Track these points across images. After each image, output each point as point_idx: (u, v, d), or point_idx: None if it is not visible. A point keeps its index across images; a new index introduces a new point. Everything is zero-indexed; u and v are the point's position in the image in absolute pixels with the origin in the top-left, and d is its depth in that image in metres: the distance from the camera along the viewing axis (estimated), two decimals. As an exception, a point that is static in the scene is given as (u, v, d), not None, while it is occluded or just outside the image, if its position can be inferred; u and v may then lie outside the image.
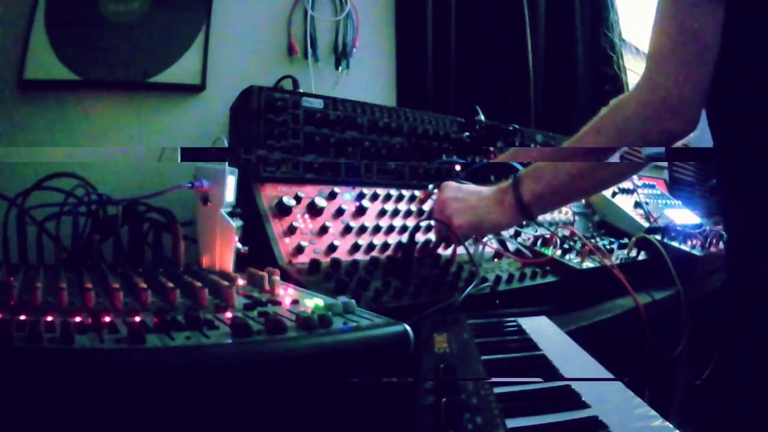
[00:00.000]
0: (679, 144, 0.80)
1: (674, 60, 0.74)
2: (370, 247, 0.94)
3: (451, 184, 1.01)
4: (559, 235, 1.14)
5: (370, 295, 0.77)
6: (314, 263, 0.83)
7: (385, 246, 0.96)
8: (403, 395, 0.46)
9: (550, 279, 1.01)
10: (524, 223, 1.20)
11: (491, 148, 1.30)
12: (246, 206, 0.89)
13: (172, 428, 0.38)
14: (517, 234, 1.17)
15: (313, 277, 0.81)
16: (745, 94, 0.74)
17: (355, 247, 0.92)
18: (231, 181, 0.85)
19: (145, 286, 0.57)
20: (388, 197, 1.08)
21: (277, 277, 0.68)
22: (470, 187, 1.01)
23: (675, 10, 0.74)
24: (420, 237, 1.00)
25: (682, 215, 1.70)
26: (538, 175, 0.91)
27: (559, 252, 1.08)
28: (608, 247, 1.22)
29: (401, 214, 1.05)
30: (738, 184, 0.79)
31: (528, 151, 1.36)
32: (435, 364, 0.49)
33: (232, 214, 0.83)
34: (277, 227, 0.89)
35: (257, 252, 0.85)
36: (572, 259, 1.09)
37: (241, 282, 0.69)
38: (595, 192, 1.43)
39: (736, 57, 0.72)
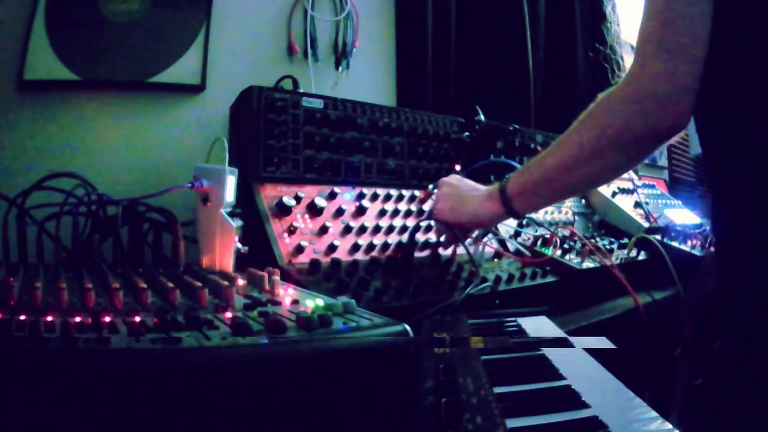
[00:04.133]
0: (674, 141, 0.78)
1: (662, 53, 0.72)
2: (370, 247, 0.94)
3: (454, 176, 1.02)
4: (559, 235, 1.14)
5: (370, 295, 0.77)
6: (314, 263, 0.83)
7: (385, 246, 0.96)
8: (403, 395, 0.46)
9: (550, 279, 1.01)
10: (524, 222, 1.20)
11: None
12: (246, 206, 0.89)
13: (173, 428, 0.38)
14: (517, 234, 1.17)
15: (313, 277, 0.81)
16: (733, 97, 0.73)
17: (355, 247, 0.92)
18: (231, 181, 0.85)
19: (145, 286, 0.57)
20: (388, 197, 1.08)
21: (277, 277, 0.68)
22: (470, 181, 1.01)
23: (662, 1, 0.73)
24: (420, 237, 1.00)
25: (682, 215, 1.70)
26: (525, 169, 0.91)
27: (559, 252, 1.08)
28: (608, 247, 1.22)
29: (401, 214, 1.05)
30: (727, 187, 0.78)
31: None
32: (435, 364, 0.49)
33: (232, 214, 0.83)
34: (277, 227, 0.89)
35: (257, 252, 0.85)
36: (572, 259, 1.09)
37: (241, 282, 0.70)
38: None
39: (726, 59, 0.71)
